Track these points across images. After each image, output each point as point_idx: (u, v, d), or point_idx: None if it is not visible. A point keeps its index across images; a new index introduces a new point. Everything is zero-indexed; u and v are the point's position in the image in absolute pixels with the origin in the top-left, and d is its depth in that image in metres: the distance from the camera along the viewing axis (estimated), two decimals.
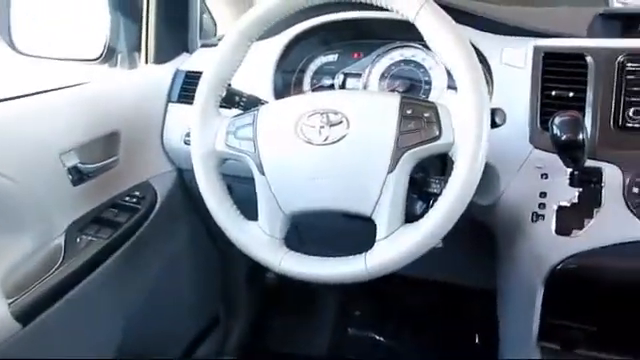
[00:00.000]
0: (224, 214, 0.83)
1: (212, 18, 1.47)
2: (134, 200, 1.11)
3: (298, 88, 1.11)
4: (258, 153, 0.79)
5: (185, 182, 1.23)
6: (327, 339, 1.57)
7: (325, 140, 0.75)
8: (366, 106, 0.77)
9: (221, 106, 0.87)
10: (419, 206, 0.79)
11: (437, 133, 0.71)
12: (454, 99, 0.72)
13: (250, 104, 0.90)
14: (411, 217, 0.74)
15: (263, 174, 0.79)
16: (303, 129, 0.77)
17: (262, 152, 0.79)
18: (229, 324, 1.53)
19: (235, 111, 0.88)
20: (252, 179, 0.81)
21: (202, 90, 0.85)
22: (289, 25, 1.09)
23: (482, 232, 0.99)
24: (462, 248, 1.12)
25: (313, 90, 1.10)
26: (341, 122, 0.75)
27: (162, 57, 1.23)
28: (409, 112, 0.73)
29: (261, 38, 1.05)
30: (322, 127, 0.76)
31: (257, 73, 1.07)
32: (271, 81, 1.07)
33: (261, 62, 1.08)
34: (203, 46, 1.28)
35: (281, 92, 1.07)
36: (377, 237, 0.74)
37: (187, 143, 0.87)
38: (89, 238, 1.01)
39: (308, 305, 1.61)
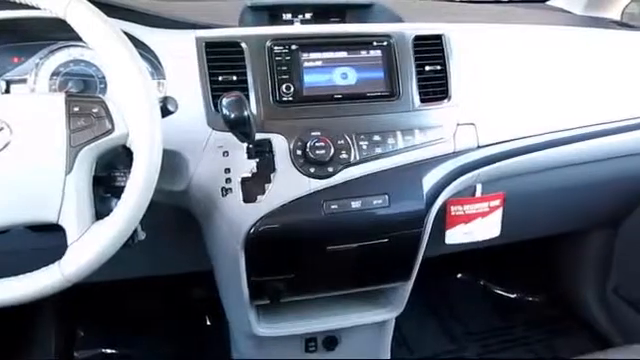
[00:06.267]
0: None
1: None
2: None
3: None
4: None
5: None
6: None
7: None
8: (27, 109, 0.73)
9: None
10: (114, 203, 0.78)
11: (110, 127, 0.72)
12: (122, 92, 0.73)
13: None
14: (106, 216, 0.73)
15: None
16: None
17: None
18: None
19: None
20: None
21: None
22: None
23: (186, 217, 1.04)
24: (174, 237, 1.16)
25: None
26: (2, 129, 0.69)
27: None
28: (76, 109, 0.72)
29: None
30: None
31: None
32: None
33: None
34: None
35: None
36: (69, 241, 0.71)
37: None
38: None
39: (21, 342, 1.43)
